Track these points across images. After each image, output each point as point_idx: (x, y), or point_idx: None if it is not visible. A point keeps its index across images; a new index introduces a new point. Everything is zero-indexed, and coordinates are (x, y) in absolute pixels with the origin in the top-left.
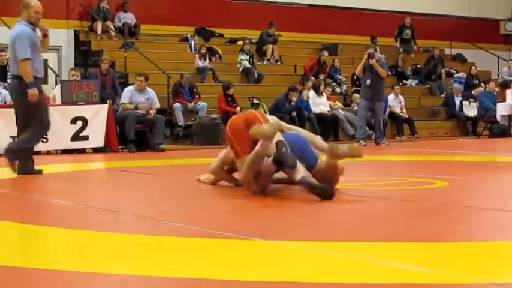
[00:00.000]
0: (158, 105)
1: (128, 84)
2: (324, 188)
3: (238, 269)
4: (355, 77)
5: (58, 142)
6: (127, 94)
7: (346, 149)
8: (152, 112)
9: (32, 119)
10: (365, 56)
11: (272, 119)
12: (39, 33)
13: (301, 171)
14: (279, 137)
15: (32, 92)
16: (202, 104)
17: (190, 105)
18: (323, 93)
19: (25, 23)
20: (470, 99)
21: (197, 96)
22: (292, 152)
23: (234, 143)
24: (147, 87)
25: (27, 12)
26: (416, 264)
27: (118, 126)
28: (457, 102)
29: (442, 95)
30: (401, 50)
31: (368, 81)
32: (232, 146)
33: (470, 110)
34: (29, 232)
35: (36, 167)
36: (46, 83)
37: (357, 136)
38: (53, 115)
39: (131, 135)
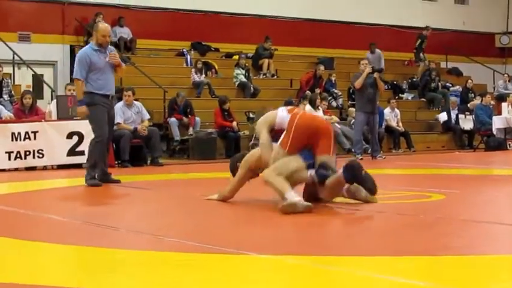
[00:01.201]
0: (148, 116)
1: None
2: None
3: (235, 284)
4: (351, 90)
5: (54, 157)
6: (119, 112)
7: (363, 196)
8: (146, 125)
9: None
10: (368, 69)
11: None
12: (107, 55)
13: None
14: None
15: (80, 109)
16: (196, 118)
17: (185, 121)
18: (319, 107)
19: (91, 45)
20: (466, 113)
21: (190, 116)
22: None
23: (289, 134)
24: (134, 101)
25: (96, 36)
26: (413, 278)
27: (114, 142)
28: (453, 115)
29: (438, 109)
30: (426, 62)
31: (370, 95)
32: (286, 132)
33: (466, 123)
34: (24, 248)
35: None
36: (42, 98)
37: (353, 150)
38: (49, 130)
39: (126, 155)
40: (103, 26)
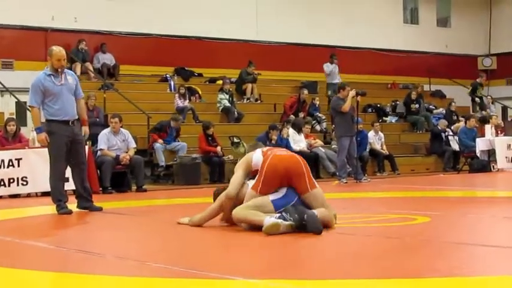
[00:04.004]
0: (134, 145)
1: (108, 126)
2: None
3: None
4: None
5: (38, 184)
6: (104, 139)
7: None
8: (131, 154)
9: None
10: (352, 93)
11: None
12: (63, 79)
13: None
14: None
15: (39, 137)
16: (182, 144)
17: (170, 146)
18: (302, 131)
19: (46, 70)
20: (450, 134)
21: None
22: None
23: (260, 177)
24: (121, 129)
25: (51, 60)
26: None
27: (96, 169)
28: (443, 137)
29: (420, 132)
30: (478, 109)
31: (353, 118)
32: (258, 174)
33: (454, 144)
34: (10, 276)
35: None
36: (25, 125)
37: (338, 174)
38: (33, 157)
39: (108, 181)
40: (57, 49)
